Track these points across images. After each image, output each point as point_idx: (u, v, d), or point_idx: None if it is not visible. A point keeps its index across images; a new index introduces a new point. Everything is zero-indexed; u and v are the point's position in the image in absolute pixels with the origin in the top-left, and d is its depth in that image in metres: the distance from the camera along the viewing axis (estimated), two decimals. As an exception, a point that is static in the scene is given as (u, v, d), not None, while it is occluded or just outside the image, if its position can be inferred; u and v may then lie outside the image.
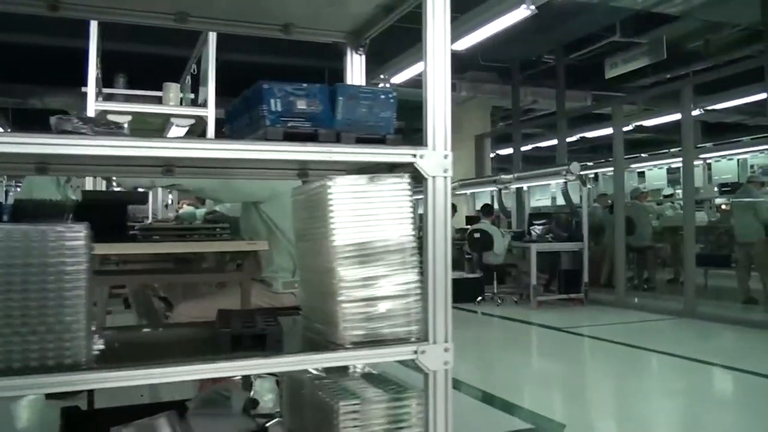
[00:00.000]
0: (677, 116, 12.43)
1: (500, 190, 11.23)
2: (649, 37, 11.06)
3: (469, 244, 10.01)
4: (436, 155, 2.02)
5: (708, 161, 11.75)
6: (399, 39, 10.56)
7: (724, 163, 11.22)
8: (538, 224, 10.05)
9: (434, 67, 2.04)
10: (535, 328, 8.00)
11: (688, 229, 8.47)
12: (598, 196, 12.09)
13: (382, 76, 9.78)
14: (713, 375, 5.50)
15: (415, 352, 1.98)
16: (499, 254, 9.64)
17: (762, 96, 10.94)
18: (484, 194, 12.42)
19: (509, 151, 17.52)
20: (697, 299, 8.30)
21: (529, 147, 16.63)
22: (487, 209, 10.25)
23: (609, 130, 13.73)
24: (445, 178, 2.03)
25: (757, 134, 10.90)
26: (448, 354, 2.00)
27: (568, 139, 14.43)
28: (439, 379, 2.00)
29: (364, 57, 2.75)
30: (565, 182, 9.65)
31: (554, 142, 13.93)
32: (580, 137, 15.14)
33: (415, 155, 2.00)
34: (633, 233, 11.11)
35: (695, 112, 12.12)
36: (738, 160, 11.03)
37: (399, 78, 9.67)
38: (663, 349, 6.35)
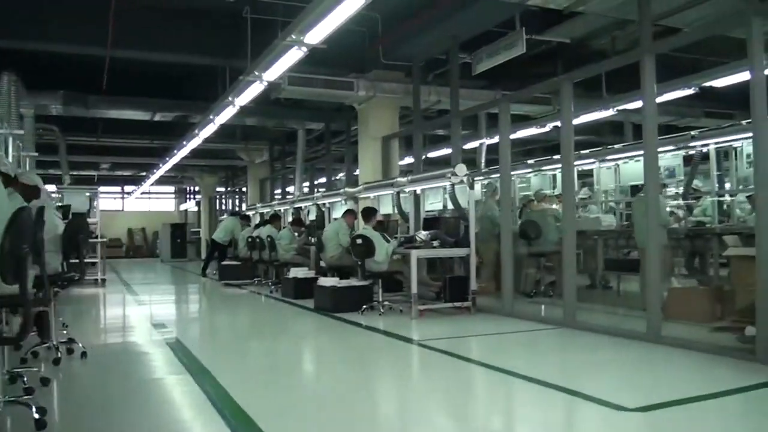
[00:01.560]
0: (595, 116, 12.17)
1: (398, 193, 10.72)
2: (552, 34, 10.63)
3: (352, 251, 9.48)
4: None
5: (618, 163, 11.30)
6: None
7: (632, 165, 10.74)
8: (431, 230, 9.59)
9: None
10: (386, 340, 7.47)
11: (569, 234, 7.97)
12: (486, 185, 11.60)
13: (256, 72, 9.20)
14: (533, 394, 4.96)
15: None
16: (380, 261, 9.11)
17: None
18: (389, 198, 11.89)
19: (446, 151, 17.07)
20: (591, 305, 7.84)
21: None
22: (367, 213, 9.72)
23: (531, 131, 13.42)
24: None
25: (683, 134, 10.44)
26: None
27: (490, 142, 14.02)
28: None
29: None
30: (452, 185, 9.12)
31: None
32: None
33: None
34: (538, 238, 10.68)
35: (610, 112, 11.71)
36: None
37: (272, 74, 9.09)
38: (498, 363, 5.84)
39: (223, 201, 28.35)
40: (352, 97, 11.82)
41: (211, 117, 12.42)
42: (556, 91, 8.05)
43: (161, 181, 32.34)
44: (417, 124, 11.35)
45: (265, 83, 9.33)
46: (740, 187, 9.77)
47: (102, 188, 33.18)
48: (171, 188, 36.14)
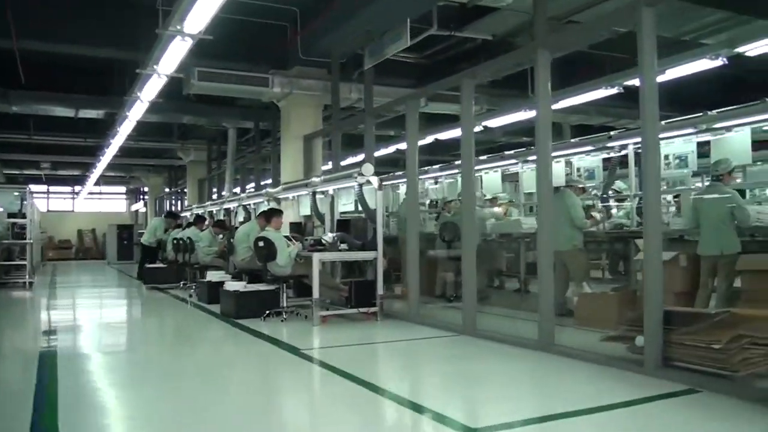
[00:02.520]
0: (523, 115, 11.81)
1: (314, 194, 10.29)
2: (472, 30, 10.30)
3: (255, 254, 9.04)
4: None
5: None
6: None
7: (554, 167, 10.30)
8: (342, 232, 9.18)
9: None
10: (272, 349, 7.01)
11: (468, 238, 7.60)
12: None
13: (155, 66, 8.70)
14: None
15: None
16: (282, 265, 8.66)
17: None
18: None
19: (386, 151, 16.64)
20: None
21: (392, 149, 15.81)
22: (269, 215, 9.29)
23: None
24: None
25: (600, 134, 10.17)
26: None
27: (422, 142, 13.66)
28: None
29: None
30: (360, 186, 8.72)
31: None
32: (435, 139, 14.33)
33: None
34: (456, 240, 10.31)
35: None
36: (571, 162, 10.15)
37: (166, 67, 8.60)
38: (364, 375, 5.42)
39: (167, 202, 27.62)
40: (267, 94, 11.35)
41: (127, 113, 11.87)
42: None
43: (112, 181, 31.68)
44: (336, 123, 10.92)
45: (164, 77, 8.84)
46: (663, 188, 9.45)
47: (52, 188, 32.87)
48: (122, 189, 35.34)
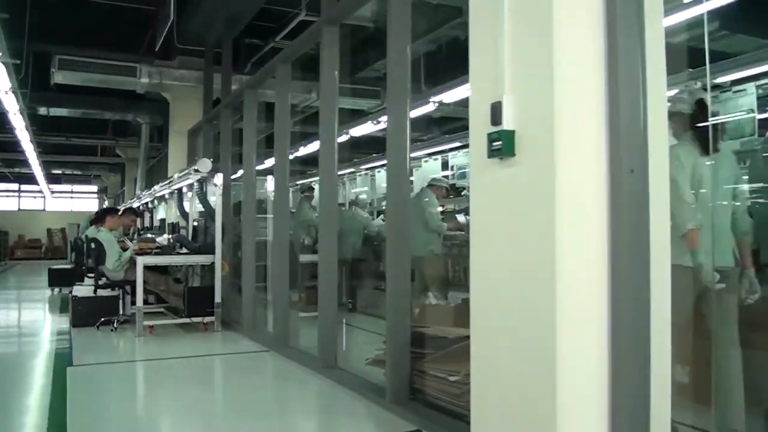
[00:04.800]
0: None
1: (179, 192, 9.64)
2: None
3: (87, 256, 8.41)
4: None
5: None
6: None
7: (432, 164, 9.57)
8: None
9: None
10: (37, 364, 6.32)
11: (278, 241, 6.87)
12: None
13: None
14: None
15: None
16: (110, 268, 7.99)
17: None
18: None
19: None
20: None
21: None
22: (103, 214, 8.65)
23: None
24: None
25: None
26: None
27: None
28: None
29: None
30: (200, 183, 8.04)
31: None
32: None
33: None
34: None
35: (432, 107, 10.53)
36: (446, 160, 9.38)
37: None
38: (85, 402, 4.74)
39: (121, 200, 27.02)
40: (138, 84, 10.68)
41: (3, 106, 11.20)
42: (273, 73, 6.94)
43: (80, 180, 31.17)
44: (206, 117, 10.21)
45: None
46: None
47: (24, 187, 32.36)
48: (94, 188, 34.75)
